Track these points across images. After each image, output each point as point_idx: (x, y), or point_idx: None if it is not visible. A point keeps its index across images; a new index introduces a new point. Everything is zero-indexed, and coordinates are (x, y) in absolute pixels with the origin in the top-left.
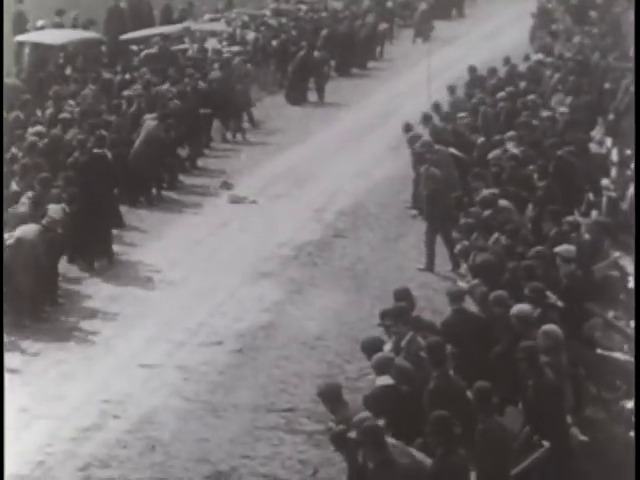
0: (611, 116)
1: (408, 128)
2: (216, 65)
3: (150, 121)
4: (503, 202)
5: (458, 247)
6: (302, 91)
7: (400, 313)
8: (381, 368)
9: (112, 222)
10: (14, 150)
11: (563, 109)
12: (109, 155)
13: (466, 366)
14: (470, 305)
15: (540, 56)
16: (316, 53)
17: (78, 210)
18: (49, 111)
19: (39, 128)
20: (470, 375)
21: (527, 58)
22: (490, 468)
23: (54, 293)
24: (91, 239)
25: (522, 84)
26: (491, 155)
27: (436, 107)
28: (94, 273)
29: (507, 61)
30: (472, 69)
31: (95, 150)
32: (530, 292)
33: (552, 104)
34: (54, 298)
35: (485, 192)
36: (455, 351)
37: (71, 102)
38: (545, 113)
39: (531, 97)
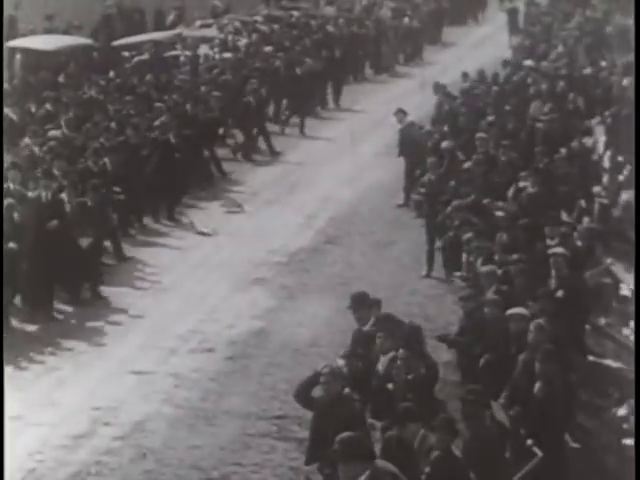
0: (609, 120)
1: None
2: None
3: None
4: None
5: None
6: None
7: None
8: None
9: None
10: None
11: (545, 116)
12: None
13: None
14: None
15: (529, 62)
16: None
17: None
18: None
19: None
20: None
21: (506, 64)
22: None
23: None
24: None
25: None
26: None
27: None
28: None
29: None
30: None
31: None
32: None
33: (531, 111)
34: None
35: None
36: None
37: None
38: (530, 119)
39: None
